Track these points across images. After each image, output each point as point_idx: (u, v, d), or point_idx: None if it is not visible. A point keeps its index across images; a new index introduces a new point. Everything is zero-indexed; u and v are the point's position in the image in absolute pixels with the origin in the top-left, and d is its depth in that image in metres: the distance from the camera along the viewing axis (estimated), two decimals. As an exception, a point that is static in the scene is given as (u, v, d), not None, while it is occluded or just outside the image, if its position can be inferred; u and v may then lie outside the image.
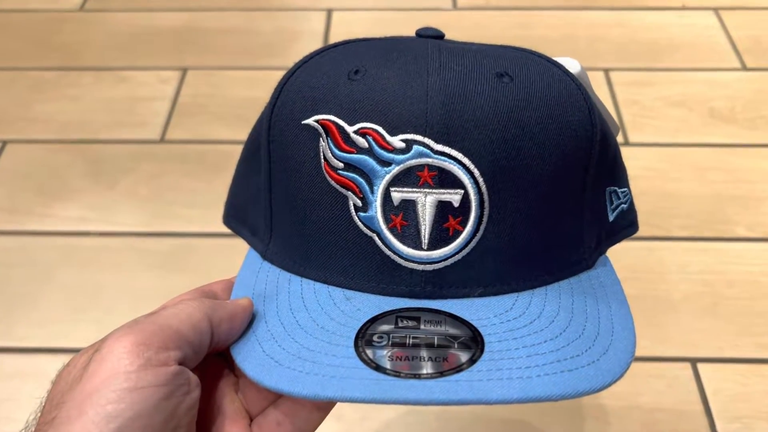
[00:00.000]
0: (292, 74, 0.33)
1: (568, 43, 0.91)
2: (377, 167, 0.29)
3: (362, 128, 0.29)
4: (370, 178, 0.29)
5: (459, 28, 0.95)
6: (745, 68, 0.88)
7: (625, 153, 0.76)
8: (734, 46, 0.91)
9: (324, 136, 0.30)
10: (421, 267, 0.29)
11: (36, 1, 1.01)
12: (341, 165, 0.30)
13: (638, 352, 0.59)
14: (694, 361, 0.59)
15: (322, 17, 0.97)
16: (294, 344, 0.28)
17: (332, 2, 1.00)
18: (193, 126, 0.82)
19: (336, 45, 0.34)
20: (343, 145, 0.30)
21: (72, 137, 0.80)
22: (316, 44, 0.93)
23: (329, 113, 0.30)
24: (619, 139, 0.79)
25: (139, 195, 0.74)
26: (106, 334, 0.28)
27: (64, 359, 0.59)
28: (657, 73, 0.87)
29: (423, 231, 0.29)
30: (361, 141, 0.29)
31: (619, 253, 0.66)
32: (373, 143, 0.29)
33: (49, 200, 0.73)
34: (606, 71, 0.87)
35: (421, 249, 0.29)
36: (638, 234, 0.68)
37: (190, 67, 0.90)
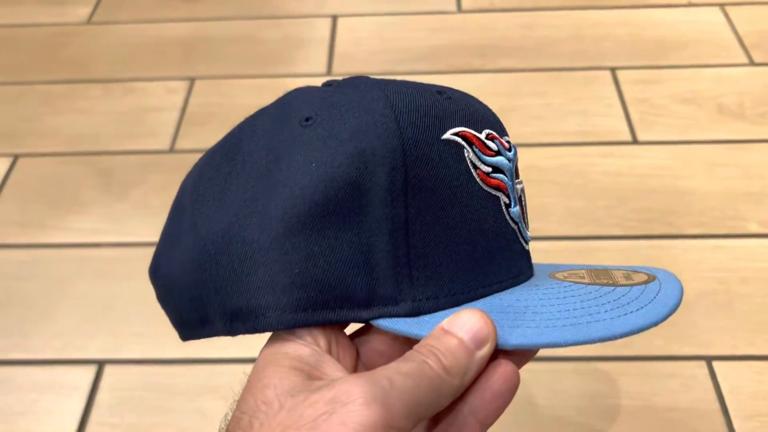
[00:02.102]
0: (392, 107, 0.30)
1: (574, 43, 0.91)
2: (507, 164, 0.32)
3: (489, 134, 0.32)
4: (506, 176, 0.32)
5: (464, 31, 0.95)
6: (752, 63, 0.87)
7: (635, 152, 0.77)
8: (741, 41, 0.90)
9: (467, 146, 0.31)
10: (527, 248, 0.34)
11: (43, 15, 1.01)
12: (490, 169, 0.31)
13: (653, 351, 0.59)
14: (709, 360, 0.58)
15: (328, 24, 0.98)
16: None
17: (337, 8, 1.00)
18: (203, 135, 0.82)
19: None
20: (487, 151, 0.31)
21: (82, 150, 0.81)
22: (323, 51, 0.93)
23: (459, 125, 0.31)
24: (628, 137, 0.79)
25: (150, 205, 0.74)
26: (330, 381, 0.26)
27: (80, 371, 0.60)
28: (664, 71, 0.87)
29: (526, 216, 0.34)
30: (492, 144, 0.31)
31: (630, 252, 0.67)
32: (499, 145, 0.32)
33: (62, 213, 0.74)
34: (613, 70, 0.87)
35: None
36: (649, 232, 0.68)
37: (198, 77, 0.90)
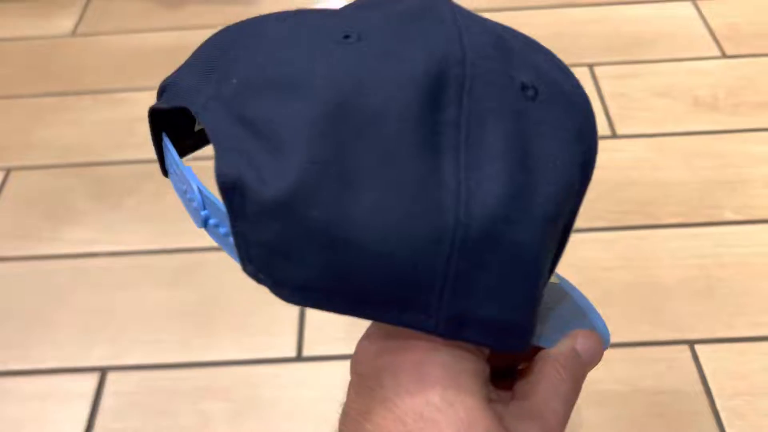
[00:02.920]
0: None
1: (554, 40, 0.93)
2: None
3: None
4: None
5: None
6: (724, 56, 0.90)
7: (614, 145, 0.79)
8: (713, 34, 0.93)
9: None
10: None
11: (28, 28, 1.02)
12: None
13: (638, 337, 0.61)
14: (691, 343, 0.61)
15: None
16: None
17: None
18: (192, 143, 0.84)
19: None
20: None
21: (74, 161, 0.82)
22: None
23: None
24: (607, 132, 0.81)
25: (144, 214, 0.76)
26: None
27: (83, 378, 0.61)
28: (641, 66, 0.90)
29: None
30: None
31: (612, 243, 0.69)
32: None
33: (56, 224, 0.75)
34: (590, 66, 0.89)
35: None
36: (631, 223, 0.71)
37: (185, 86, 0.91)
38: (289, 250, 0.24)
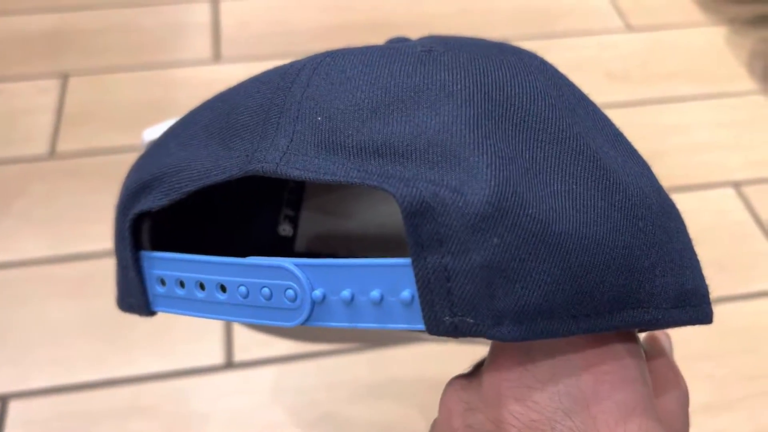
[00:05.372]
0: None
1: (462, 17, 0.92)
2: None
3: None
4: None
5: (354, 10, 0.93)
6: (629, 29, 0.91)
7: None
8: (616, 7, 0.94)
9: None
10: None
11: None
12: None
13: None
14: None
15: (207, 8, 0.93)
16: None
17: (216, -8, 0.95)
18: (85, 136, 0.76)
19: None
20: None
21: (-53, 162, 0.72)
22: (206, 36, 0.88)
23: None
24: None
25: (36, 218, 0.68)
26: None
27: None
28: (551, 41, 0.89)
29: None
30: None
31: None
32: None
33: (-68, 235, 0.66)
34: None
35: None
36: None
37: (72, 73, 0.83)
38: (512, 266, 0.20)
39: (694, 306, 0.23)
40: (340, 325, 0.21)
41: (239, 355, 0.58)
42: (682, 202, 0.29)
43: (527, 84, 0.23)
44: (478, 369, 0.24)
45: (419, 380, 0.56)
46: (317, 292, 0.21)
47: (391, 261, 0.20)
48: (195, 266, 0.23)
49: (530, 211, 0.20)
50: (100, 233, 0.66)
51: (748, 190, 0.72)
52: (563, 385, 0.21)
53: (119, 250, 0.26)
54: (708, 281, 0.25)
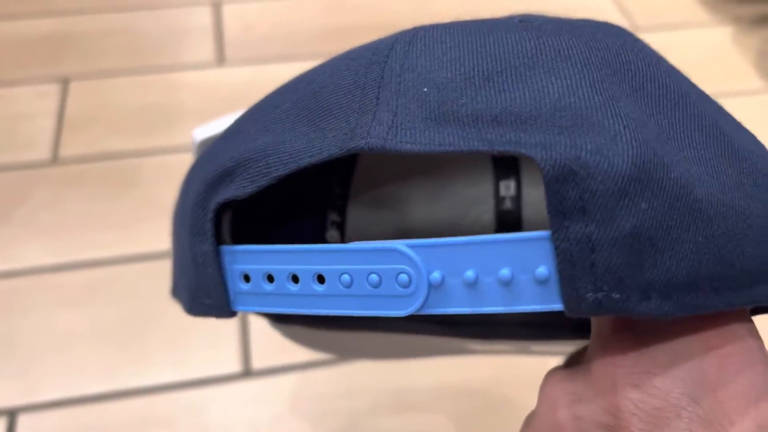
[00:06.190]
0: None
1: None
2: None
3: None
4: None
5: (359, 11, 0.92)
6: (636, 29, 0.91)
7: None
8: (622, 7, 0.94)
9: None
10: None
11: None
12: None
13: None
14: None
15: (209, 11, 0.91)
16: None
17: (217, -5, 0.94)
18: (87, 141, 0.74)
19: None
20: None
21: (-55, 169, 0.70)
22: (209, 39, 0.86)
23: None
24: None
25: (40, 225, 0.65)
26: None
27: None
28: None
29: None
30: None
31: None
32: None
33: (-68, 244, 0.63)
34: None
35: None
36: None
37: (72, 77, 0.81)
38: (660, 234, 0.18)
39: None
40: (460, 311, 0.19)
41: (257, 363, 0.56)
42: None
43: (638, 50, 0.22)
44: (575, 360, 0.23)
45: (444, 387, 0.54)
46: (436, 275, 0.19)
47: (525, 235, 0.18)
48: (289, 257, 0.21)
49: (673, 175, 0.18)
50: (107, 239, 0.64)
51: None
52: (686, 369, 0.19)
53: (194, 246, 0.23)
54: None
